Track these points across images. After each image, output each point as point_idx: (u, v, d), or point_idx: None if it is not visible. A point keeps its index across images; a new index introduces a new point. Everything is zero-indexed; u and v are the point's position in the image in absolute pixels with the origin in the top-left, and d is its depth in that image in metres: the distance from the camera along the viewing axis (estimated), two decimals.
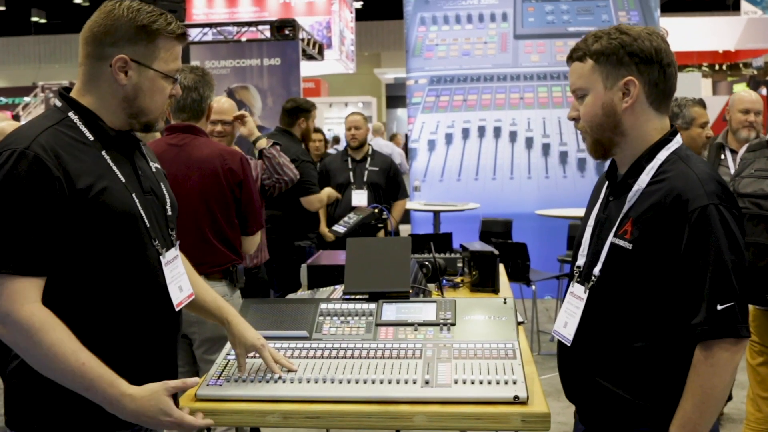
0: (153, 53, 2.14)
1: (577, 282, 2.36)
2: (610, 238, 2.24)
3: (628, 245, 2.18)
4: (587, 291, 2.29)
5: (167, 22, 2.15)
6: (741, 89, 19.26)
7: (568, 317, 2.34)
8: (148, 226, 2.17)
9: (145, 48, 2.13)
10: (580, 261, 2.38)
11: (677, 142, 2.28)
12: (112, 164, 2.13)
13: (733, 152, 5.33)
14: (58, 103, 2.17)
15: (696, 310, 2.08)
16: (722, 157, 5.37)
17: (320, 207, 6.29)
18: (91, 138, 2.12)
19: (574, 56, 2.28)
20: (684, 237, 2.09)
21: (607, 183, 2.41)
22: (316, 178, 6.24)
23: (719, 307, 2.06)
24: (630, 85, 2.21)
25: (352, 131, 7.22)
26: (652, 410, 2.18)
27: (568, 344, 2.30)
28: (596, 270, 2.27)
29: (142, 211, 2.15)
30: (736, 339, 2.08)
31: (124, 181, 2.14)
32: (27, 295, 1.94)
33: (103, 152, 2.13)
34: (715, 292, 2.07)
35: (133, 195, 2.15)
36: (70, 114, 2.13)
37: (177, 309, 2.24)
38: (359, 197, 6.99)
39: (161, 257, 2.21)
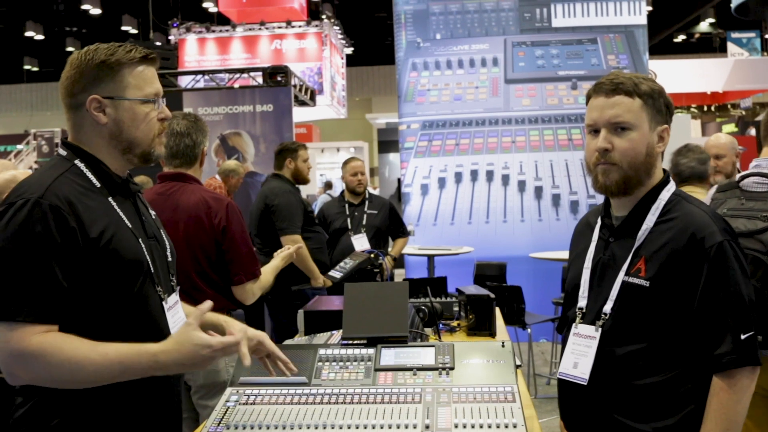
0: (121, 84, 2.15)
1: (581, 322, 2.38)
2: (621, 277, 2.28)
3: (644, 283, 2.23)
4: (599, 330, 2.31)
5: (126, 51, 2.15)
6: (729, 130, 19.44)
7: (577, 358, 2.35)
8: (153, 271, 2.19)
9: (112, 82, 2.14)
10: (582, 303, 2.40)
11: (673, 184, 2.36)
12: (119, 210, 2.15)
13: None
14: (63, 152, 2.18)
15: (719, 340, 2.15)
16: None
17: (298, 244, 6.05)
18: (98, 185, 2.14)
19: (620, 89, 2.29)
20: (703, 272, 2.16)
21: (600, 225, 2.44)
22: (295, 216, 6.08)
23: (743, 337, 2.14)
24: (665, 133, 2.33)
25: (359, 176, 7.16)
26: None
27: (584, 384, 2.31)
28: (607, 308, 2.30)
29: (148, 257, 2.17)
30: (754, 366, 2.16)
31: (130, 227, 2.16)
32: (33, 331, 1.93)
33: (110, 198, 2.15)
34: (738, 323, 2.15)
35: (140, 240, 2.16)
36: (77, 162, 2.14)
37: None
38: (360, 242, 6.92)
39: (164, 303, 2.22)
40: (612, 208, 2.42)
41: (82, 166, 2.14)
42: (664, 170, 2.39)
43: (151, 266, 2.18)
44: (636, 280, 2.25)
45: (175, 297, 2.30)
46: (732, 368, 2.14)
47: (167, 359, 1.96)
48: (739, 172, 5.49)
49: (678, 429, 2.22)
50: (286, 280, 5.96)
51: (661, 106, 2.31)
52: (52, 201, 1.99)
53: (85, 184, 2.11)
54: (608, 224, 2.41)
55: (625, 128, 2.28)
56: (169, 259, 2.33)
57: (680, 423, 2.21)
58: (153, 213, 2.40)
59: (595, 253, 2.42)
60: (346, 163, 7.34)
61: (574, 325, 2.40)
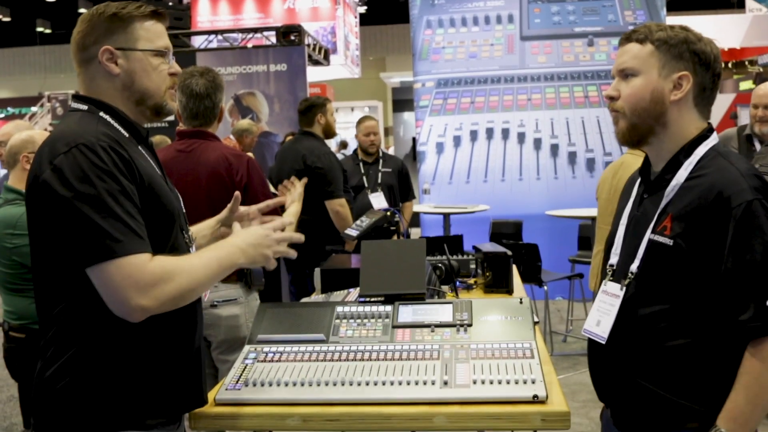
0: (133, 36, 2.17)
1: (611, 280, 2.31)
2: (648, 235, 2.20)
3: (668, 241, 2.14)
4: (623, 288, 2.25)
5: (137, 6, 2.19)
6: (746, 87, 19.28)
7: (601, 315, 2.29)
8: (181, 218, 2.23)
9: (123, 34, 2.16)
10: (614, 259, 2.34)
11: (714, 138, 2.25)
12: (150, 159, 2.18)
13: (763, 143, 5.30)
14: (82, 106, 2.17)
15: (744, 306, 2.04)
16: (754, 148, 5.34)
17: (341, 210, 5.94)
18: (127, 135, 2.15)
19: (633, 37, 2.26)
20: (729, 233, 2.05)
21: (639, 180, 2.38)
22: (340, 179, 6.00)
23: None
24: (684, 80, 2.20)
25: (371, 137, 7.16)
26: (695, 410, 2.13)
27: (603, 342, 2.26)
28: (633, 267, 2.22)
29: (176, 205, 2.20)
30: None
31: (161, 174, 2.19)
32: (147, 259, 1.95)
33: (140, 147, 2.17)
34: (764, 288, 2.04)
35: (169, 189, 2.20)
36: (101, 114, 2.14)
37: (205, 299, 2.30)
38: (378, 200, 6.87)
39: (191, 248, 2.26)
40: (651, 163, 2.36)
41: (107, 117, 2.15)
42: (710, 124, 2.29)
43: (180, 215, 2.22)
44: (660, 239, 2.16)
45: (194, 245, 2.34)
46: (756, 337, 2.04)
47: (241, 242, 2.18)
48: None
49: (701, 396, 2.13)
50: (322, 239, 5.84)
51: (683, 52, 2.20)
52: (105, 142, 1.99)
53: (116, 134, 2.11)
54: (645, 180, 2.35)
55: (630, 74, 2.24)
56: (183, 210, 2.35)
57: (704, 390, 2.13)
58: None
59: (631, 210, 2.36)
60: (359, 122, 7.31)
61: (604, 282, 2.34)
